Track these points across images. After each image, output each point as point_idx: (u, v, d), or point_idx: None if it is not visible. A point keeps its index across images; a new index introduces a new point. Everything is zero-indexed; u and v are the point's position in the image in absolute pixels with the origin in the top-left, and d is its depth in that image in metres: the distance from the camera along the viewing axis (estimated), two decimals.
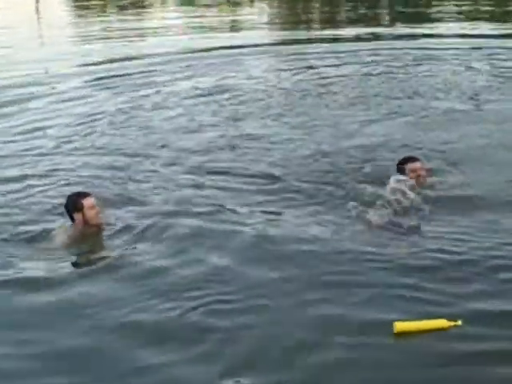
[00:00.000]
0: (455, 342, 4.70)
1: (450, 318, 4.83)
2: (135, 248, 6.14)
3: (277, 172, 7.72)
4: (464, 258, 5.67)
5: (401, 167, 7.11)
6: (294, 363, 4.55)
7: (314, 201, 6.97)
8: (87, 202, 6.43)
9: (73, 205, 6.46)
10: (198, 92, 12.02)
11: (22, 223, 6.75)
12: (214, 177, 7.71)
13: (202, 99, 11.46)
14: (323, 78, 12.76)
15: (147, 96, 11.88)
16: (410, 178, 6.88)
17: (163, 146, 8.95)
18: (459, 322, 4.81)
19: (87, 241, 6.39)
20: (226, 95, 11.62)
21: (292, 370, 4.50)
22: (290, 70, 13.64)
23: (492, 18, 20.57)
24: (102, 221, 6.55)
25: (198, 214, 6.72)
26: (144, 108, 11.10)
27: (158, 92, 12.20)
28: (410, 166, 7.07)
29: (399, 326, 4.80)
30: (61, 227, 6.52)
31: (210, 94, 11.72)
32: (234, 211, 6.76)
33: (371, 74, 12.81)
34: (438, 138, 8.86)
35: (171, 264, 5.87)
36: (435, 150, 8.34)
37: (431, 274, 5.49)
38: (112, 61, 15.35)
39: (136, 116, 10.65)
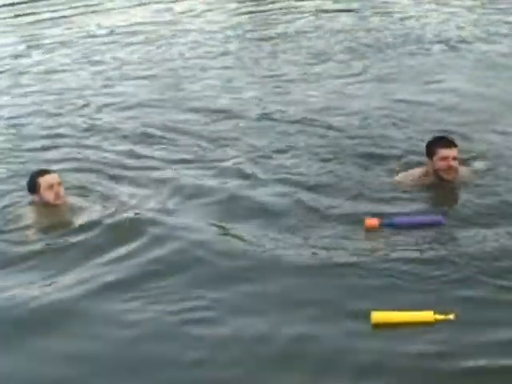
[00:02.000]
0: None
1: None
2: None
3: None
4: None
5: (429, 150, 5.61)
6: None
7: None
8: (45, 180, 5.67)
9: (29, 184, 5.77)
10: None
11: None
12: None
13: None
14: None
15: None
16: (437, 169, 5.57)
17: None
18: (451, 316, 4.04)
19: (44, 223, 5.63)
20: None
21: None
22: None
23: None
24: (64, 202, 5.77)
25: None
26: None
27: None
28: (441, 151, 5.52)
29: (376, 316, 4.07)
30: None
31: None
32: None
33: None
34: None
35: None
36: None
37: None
38: None
39: None
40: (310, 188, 5.91)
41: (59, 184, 5.72)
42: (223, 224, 5.44)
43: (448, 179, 5.59)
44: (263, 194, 5.89)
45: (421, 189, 5.68)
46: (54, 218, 5.66)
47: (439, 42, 10.58)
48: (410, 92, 8.43)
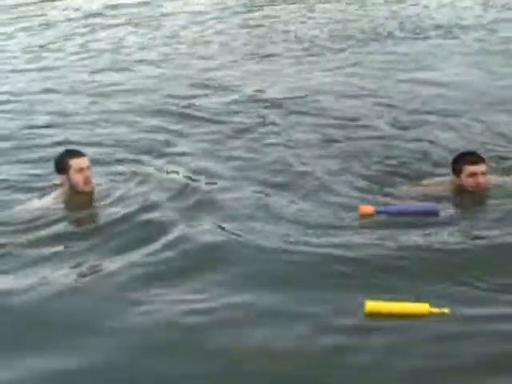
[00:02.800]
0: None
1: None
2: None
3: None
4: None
5: (456, 167, 5.38)
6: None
7: None
8: (76, 162, 5.42)
9: (57, 164, 5.55)
10: None
11: None
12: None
13: None
14: None
15: None
16: (464, 185, 5.35)
17: None
18: (446, 310, 3.99)
19: (70, 212, 5.38)
20: None
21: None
22: None
23: None
24: (93, 189, 5.53)
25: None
26: None
27: None
28: (469, 168, 5.30)
29: (370, 305, 4.02)
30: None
31: None
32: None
33: None
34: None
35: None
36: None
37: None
38: None
39: None
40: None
41: (88, 168, 5.51)
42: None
43: (478, 192, 5.36)
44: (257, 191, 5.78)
45: (448, 194, 5.47)
46: (80, 205, 5.46)
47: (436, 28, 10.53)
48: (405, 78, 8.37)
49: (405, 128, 6.95)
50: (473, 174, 5.26)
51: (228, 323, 4.07)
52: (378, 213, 5.11)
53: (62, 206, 5.47)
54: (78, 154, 5.54)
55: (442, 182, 5.58)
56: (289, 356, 3.78)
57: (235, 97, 8.17)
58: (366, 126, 7.07)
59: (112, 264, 4.71)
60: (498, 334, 3.82)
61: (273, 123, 7.28)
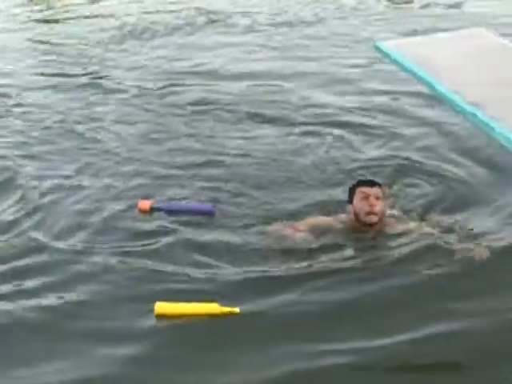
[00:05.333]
0: None
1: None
2: None
3: None
4: None
5: (351, 193, 4.80)
6: None
7: None
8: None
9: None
10: None
11: None
12: None
13: None
14: None
15: None
16: (357, 213, 4.70)
17: None
18: (236, 310, 4.00)
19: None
20: None
21: None
22: None
23: None
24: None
25: None
26: None
27: None
28: (361, 189, 4.72)
29: (159, 306, 4.03)
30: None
31: None
32: None
33: None
34: None
35: None
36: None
37: None
38: None
39: None
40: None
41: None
42: None
43: (371, 223, 4.68)
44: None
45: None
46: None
47: None
48: None
49: None
50: (365, 197, 4.66)
51: None
52: (155, 209, 5.15)
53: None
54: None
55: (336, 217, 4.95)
56: None
57: None
58: None
59: None
60: None
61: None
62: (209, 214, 5.10)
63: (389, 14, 11.04)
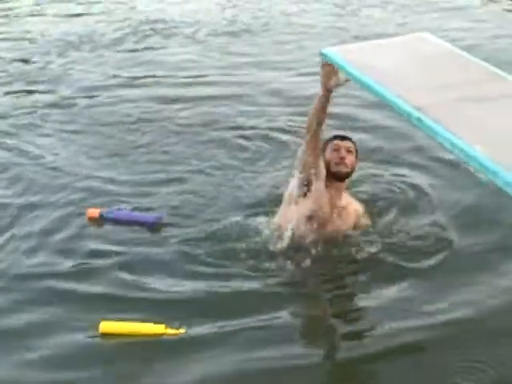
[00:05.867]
0: None
1: None
2: None
3: None
4: None
5: (323, 149, 4.72)
6: None
7: None
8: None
9: None
10: None
11: None
12: None
13: None
14: None
15: None
16: (330, 165, 4.66)
17: None
18: (182, 331, 3.89)
19: None
20: None
21: None
22: None
23: None
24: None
25: None
26: None
27: None
28: (333, 142, 4.71)
29: (104, 325, 3.92)
30: None
31: None
32: None
33: None
34: None
35: None
36: None
37: None
38: None
39: None
40: None
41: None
42: None
43: (341, 173, 4.66)
44: None
45: None
46: None
47: None
48: None
49: None
50: (336, 149, 4.65)
51: None
52: (103, 218, 5.02)
53: None
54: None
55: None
56: None
57: None
58: None
59: None
60: None
61: None
62: (156, 225, 4.96)
63: (335, 21, 11.07)
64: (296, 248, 4.61)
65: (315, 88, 7.41)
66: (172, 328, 3.85)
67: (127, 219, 5.02)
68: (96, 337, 3.86)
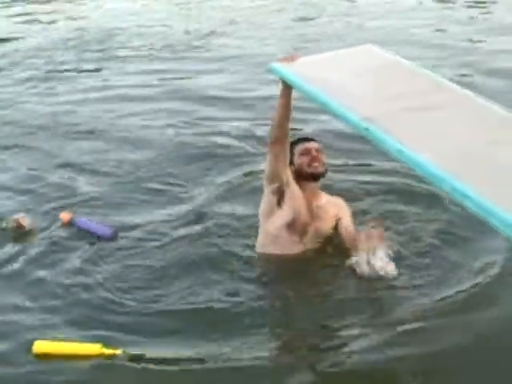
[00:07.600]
0: None
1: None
2: None
3: None
4: None
5: (291, 158, 4.46)
6: None
7: None
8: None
9: None
10: None
11: None
12: None
13: None
14: None
15: None
16: (299, 169, 4.45)
17: None
18: (119, 351, 3.69)
19: None
20: None
21: None
22: None
23: None
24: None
25: None
26: None
27: None
28: (300, 146, 4.48)
29: (38, 345, 3.74)
30: None
31: None
32: None
33: None
34: None
35: None
36: None
37: None
38: None
39: None
40: None
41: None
42: None
43: (317, 172, 4.43)
44: None
45: None
46: None
47: None
48: None
49: None
50: (305, 152, 4.41)
51: None
52: (73, 223, 5.03)
53: None
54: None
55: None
56: None
57: None
58: None
59: None
60: None
61: None
62: (110, 238, 4.85)
63: (283, 33, 11.08)
64: (279, 268, 4.39)
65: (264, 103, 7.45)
66: (109, 348, 3.67)
67: (87, 228, 4.96)
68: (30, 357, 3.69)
